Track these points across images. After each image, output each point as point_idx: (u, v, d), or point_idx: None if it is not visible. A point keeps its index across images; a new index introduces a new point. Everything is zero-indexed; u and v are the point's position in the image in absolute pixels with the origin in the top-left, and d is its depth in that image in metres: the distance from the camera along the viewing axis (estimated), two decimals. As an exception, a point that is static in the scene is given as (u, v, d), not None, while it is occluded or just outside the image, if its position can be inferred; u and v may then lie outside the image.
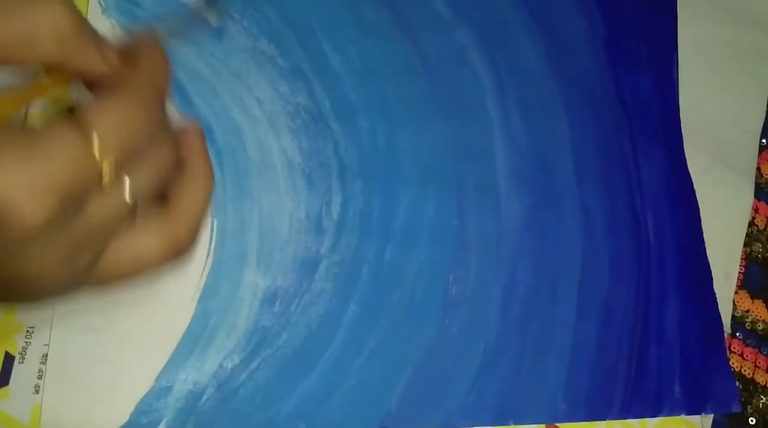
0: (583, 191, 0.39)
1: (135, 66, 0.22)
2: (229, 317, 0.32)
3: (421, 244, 0.36)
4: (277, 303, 0.33)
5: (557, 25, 0.41)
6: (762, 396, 0.38)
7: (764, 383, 0.38)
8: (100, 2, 0.34)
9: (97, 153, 0.19)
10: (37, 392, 0.30)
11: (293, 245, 0.34)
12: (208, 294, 0.32)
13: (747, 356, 0.39)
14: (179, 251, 0.23)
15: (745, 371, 0.38)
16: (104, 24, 0.34)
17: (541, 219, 0.38)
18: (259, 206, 0.34)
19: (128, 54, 0.23)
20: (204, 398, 0.31)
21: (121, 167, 0.20)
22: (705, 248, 0.39)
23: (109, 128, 0.19)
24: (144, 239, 0.22)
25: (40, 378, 0.30)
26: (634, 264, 0.38)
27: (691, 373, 0.37)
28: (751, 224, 0.41)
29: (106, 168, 0.19)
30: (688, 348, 0.37)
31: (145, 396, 0.30)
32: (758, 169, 0.42)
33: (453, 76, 0.39)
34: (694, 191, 0.40)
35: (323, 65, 0.37)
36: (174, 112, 0.34)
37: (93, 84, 0.23)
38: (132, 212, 0.21)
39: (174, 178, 0.24)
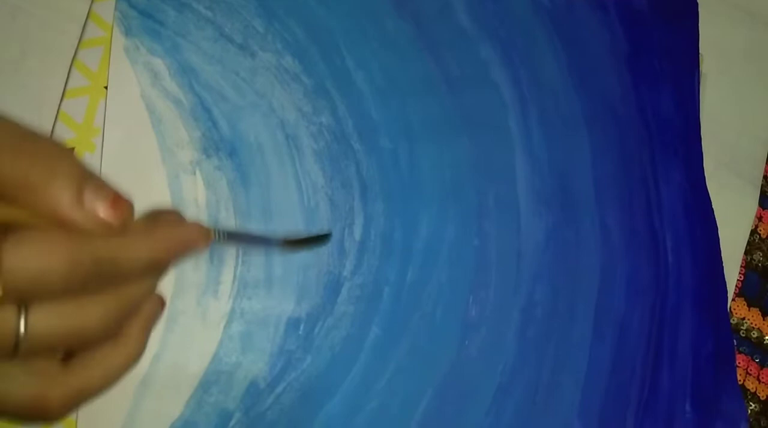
0: (602, 210, 0.39)
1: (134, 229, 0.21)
2: (254, 342, 0.33)
3: (441, 265, 0.36)
4: (301, 327, 0.33)
5: (580, 40, 0.41)
6: (752, 403, 0.39)
7: (754, 390, 0.39)
8: (122, 23, 0.34)
9: None
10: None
11: (316, 268, 0.34)
12: (234, 319, 0.33)
13: (739, 363, 0.40)
14: (42, 416, 0.22)
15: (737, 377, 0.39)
16: (129, 44, 0.34)
17: (560, 239, 0.38)
18: (282, 229, 0.34)
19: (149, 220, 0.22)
20: (232, 422, 0.32)
21: (21, 304, 0.19)
22: (723, 268, 0.40)
23: (18, 257, 0.18)
24: (16, 384, 0.21)
25: None
26: (651, 285, 0.38)
27: (702, 392, 0.38)
28: (754, 232, 0.41)
29: None
30: (700, 367, 0.38)
31: (175, 421, 0.31)
32: (765, 177, 0.42)
33: (475, 93, 0.39)
34: (712, 211, 0.40)
35: (346, 82, 0.37)
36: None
37: None
38: (15, 348, 0.20)
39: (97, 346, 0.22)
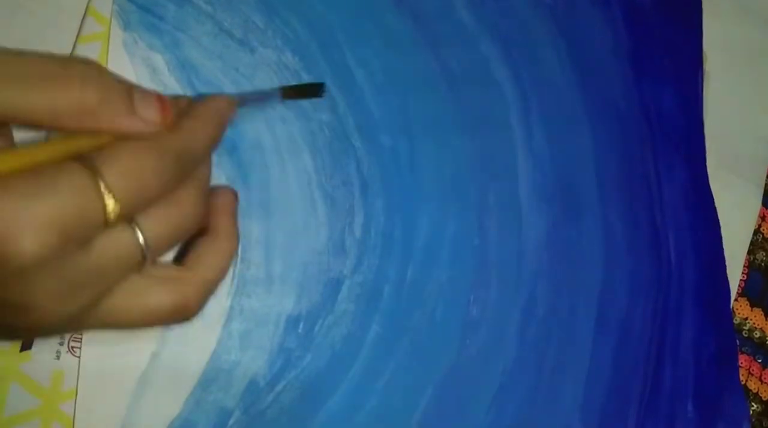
0: (604, 208, 0.39)
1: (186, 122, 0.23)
2: (254, 340, 0.32)
3: (442, 264, 0.36)
4: (301, 325, 0.33)
5: (582, 37, 0.40)
6: (754, 404, 0.39)
7: (756, 390, 0.39)
8: (121, 17, 0.33)
9: (104, 195, 0.19)
10: (57, 358, 0.30)
11: (316, 266, 0.34)
12: (233, 316, 0.33)
13: (742, 363, 0.40)
14: (186, 315, 0.24)
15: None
16: (127, 39, 0.33)
17: (562, 237, 0.38)
18: (283, 227, 0.34)
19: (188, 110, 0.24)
20: (231, 421, 0.31)
21: (132, 215, 0.20)
22: (725, 266, 0.39)
23: (118, 173, 0.20)
24: (154, 294, 0.22)
25: (62, 345, 0.30)
26: (653, 283, 0.38)
27: (704, 392, 0.38)
28: (757, 231, 0.41)
29: (111, 211, 0.20)
30: (702, 366, 0.38)
31: (174, 419, 0.31)
32: (768, 176, 0.42)
33: (476, 90, 0.38)
34: (715, 210, 0.40)
35: (347, 79, 0.37)
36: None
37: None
38: (142, 261, 0.21)
39: (198, 238, 0.24)
